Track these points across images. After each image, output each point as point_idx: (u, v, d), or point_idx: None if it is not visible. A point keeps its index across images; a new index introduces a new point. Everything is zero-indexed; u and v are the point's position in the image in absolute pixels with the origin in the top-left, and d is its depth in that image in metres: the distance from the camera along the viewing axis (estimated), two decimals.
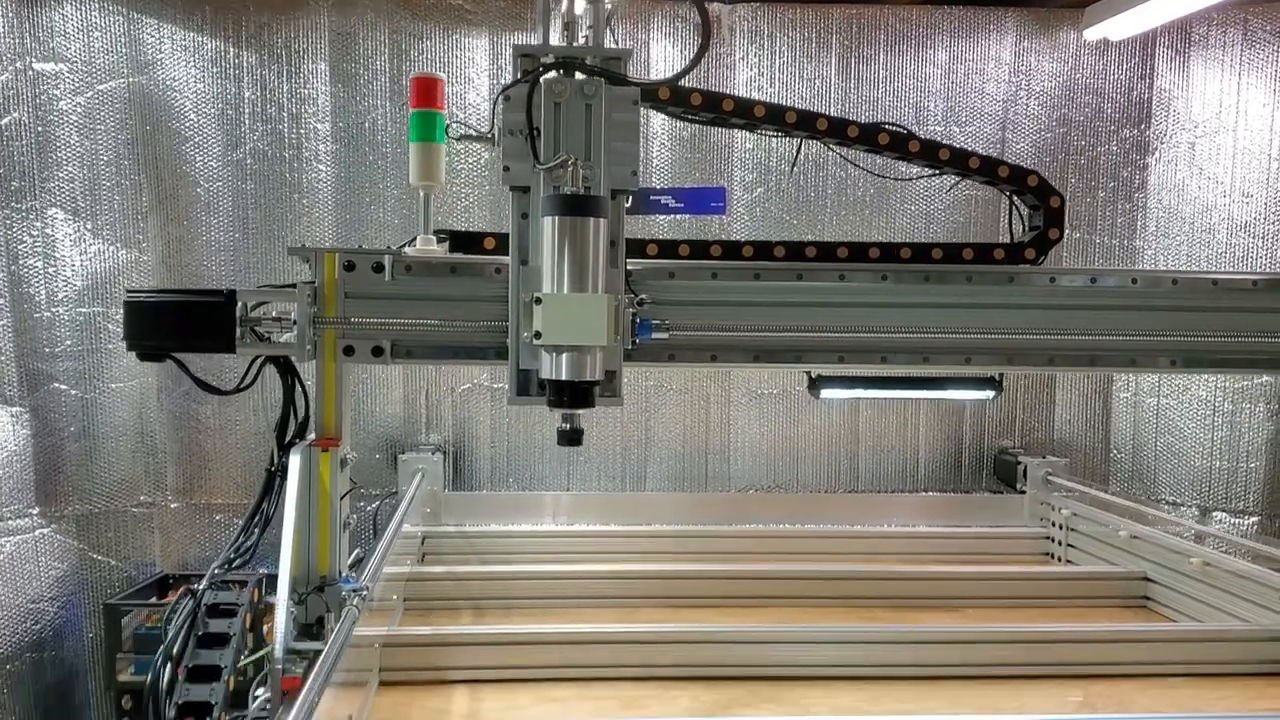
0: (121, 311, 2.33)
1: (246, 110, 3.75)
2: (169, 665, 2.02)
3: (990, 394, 3.04)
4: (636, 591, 3.24)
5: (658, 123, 3.89)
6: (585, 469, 4.03)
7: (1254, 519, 3.81)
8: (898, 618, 3.15)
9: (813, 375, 2.86)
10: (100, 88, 3.59)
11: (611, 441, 4.03)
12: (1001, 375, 2.99)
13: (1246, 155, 3.83)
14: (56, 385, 3.50)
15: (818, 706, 2.53)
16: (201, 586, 2.08)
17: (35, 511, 3.41)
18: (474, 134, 2.57)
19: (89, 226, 3.60)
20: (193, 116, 3.71)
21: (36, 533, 3.40)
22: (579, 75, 2.24)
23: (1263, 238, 3.81)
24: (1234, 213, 3.84)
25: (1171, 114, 4.00)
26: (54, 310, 3.52)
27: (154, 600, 3.31)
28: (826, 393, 2.93)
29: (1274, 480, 3.79)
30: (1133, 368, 2.62)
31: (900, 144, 2.57)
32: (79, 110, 3.56)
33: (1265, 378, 3.77)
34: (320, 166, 3.81)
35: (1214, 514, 3.87)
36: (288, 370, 2.39)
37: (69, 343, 3.53)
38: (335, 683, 1.96)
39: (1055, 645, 2.75)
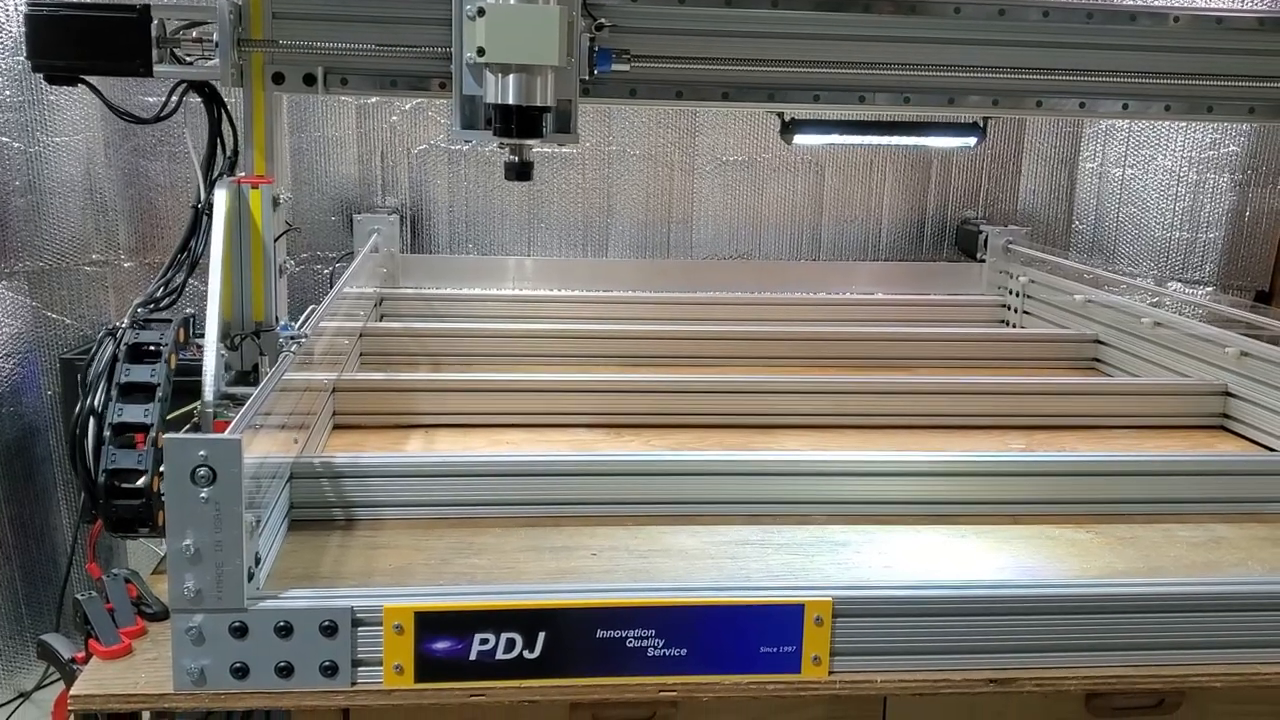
0: None
1: None
2: (92, 421, 1.64)
3: (973, 140, 2.71)
4: (598, 351, 3.01)
5: None
6: (546, 236, 3.70)
7: (1208, 289, 3.58)
8: (848, 374, 2.94)
9: (786, 118, 2.51)
10: None
11: (573, 208, 3.69)
12: (985, 121, 2.66)
13: None
14: None
15: (763, 449, 2.36)
16: (123, 325, 1.72)
17: None
18: None
19: None
20: None
21: None
22: None
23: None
24: None
25: None
26: None
27: None
28: (800, 138, 2.58)
29: (1231, 251, 3.56)
30: (1125, 114, 2.31)
31: None
32: None
33: (1232, 147, 3.47)
34: None
35: (1170, 284, 3.63)
36: (213, 100, 2.02)
37: (8, 93, 3.08)
38: (280, 412, 1.76)
39: (999, 396, 2.60)
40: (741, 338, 3.09)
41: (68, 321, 3.21)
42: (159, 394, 1.60)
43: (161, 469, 1.50)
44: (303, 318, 2.28)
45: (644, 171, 3.69)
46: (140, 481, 1.58)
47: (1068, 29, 2.24)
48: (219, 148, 2.02)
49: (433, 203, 3.64)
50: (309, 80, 2.01)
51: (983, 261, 3.71)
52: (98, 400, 1.60)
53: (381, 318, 3.28)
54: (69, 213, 3.19)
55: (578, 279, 3.64)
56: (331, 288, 3.34)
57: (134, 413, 1.59)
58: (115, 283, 3.30)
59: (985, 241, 3.69)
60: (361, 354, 2.89)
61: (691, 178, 3.71)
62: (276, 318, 1.98)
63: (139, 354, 1.65)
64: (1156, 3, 3.44)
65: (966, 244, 3.78)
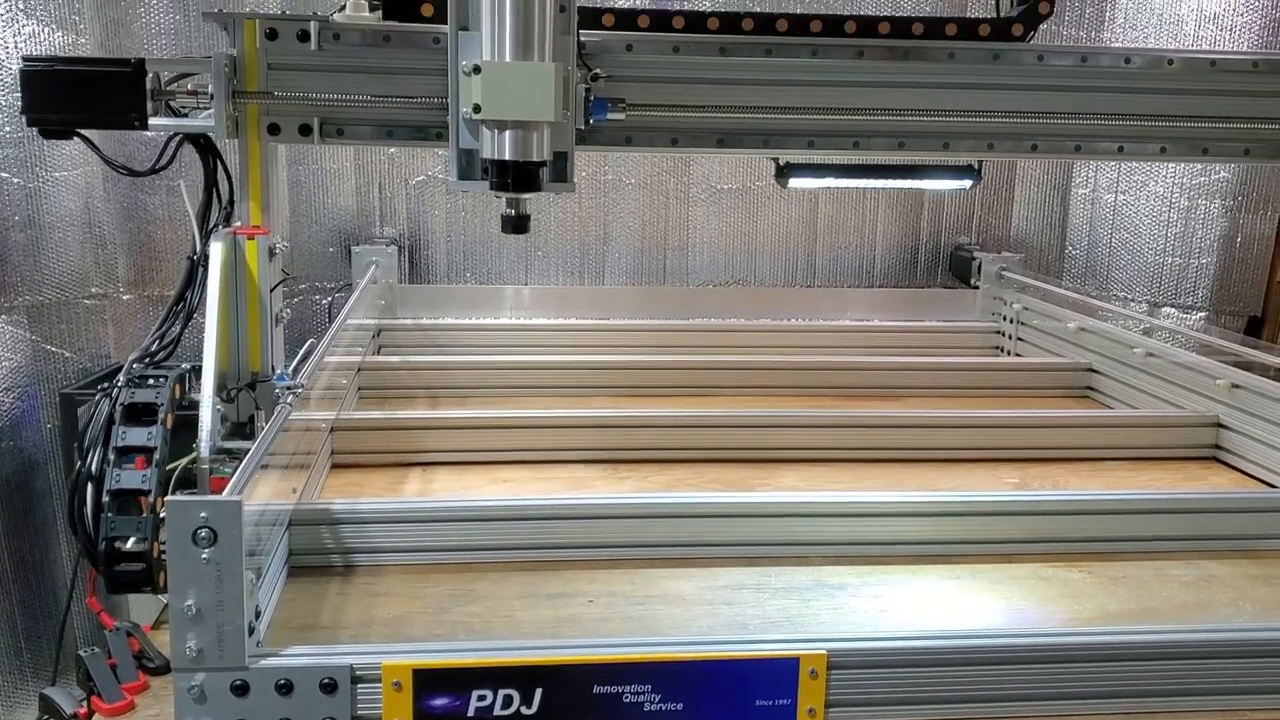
0: None
1: None
2: (90, 487, 1.64)
3: (968, 183, 2.71)
4: (594, 381, 3.01)
5: None
6: (543, 264, 3.70)
7: (1201, 314, 3.59)
8: (845, 406, 2.94)
9: (780, 163, 2.51)
10: None
11: (570, 237, 3.69)
12: (980, 163, 2.66)
13: None
14: None
15: (759, 486, 2.38)
16: (119, 382, 1.71)
17: None
18: None
19: (21, 6, 3.10)
20: None
21: None
22: None
23: (1230, 29, 3.43)
24: (1204, 3, 3.45)
25: None
26: None
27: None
28: (795, 182, 2.57)
29: (1223, 276, 3.57)
30: (1121, 156, 2.30)
31: None
32: None
33: (1223, 173, 3.48)
34: None
35: (1163, 309, 3.64)
36: (208, 150, 2.01)
37: (8, 129, 3.09)
38: (279, 457, 1.75)
39: (993, 430, 2.59)
40: (738, 367, 3.10)
41: (67, 355, 3.21)
42: (156, 457, 1.60)
43: (162, 533, 1.50)
44: (300, 354, 2.28)
45: (640, 200, 3.69)
46: (132, 543, 1.58)
47: (1062, 72, 2.24)
48: (215, 198, 2.02)
49: (430, 233, 3.64)
50: (305, 131, 2.00)
51: (977, 288, 3.71)
52: (94, 465, 1.59)
53: (379, 349, 3.28)
54: (68, 247, 3.19)
55: (575, 306, 3.64)
56: (330, 319, 3.35)
57: (131, 478, 1.59)
58: (114, 315, 3.31)
59: (979, 268, 3.69)
60: (360, 388, 2.89)
61: (686, 206, 3.72)
62: (273, 367, 1.98)
63: (135, 414, 1.64)
64: (1151, 46, 3.50)
65: (960, 270, 3.78)
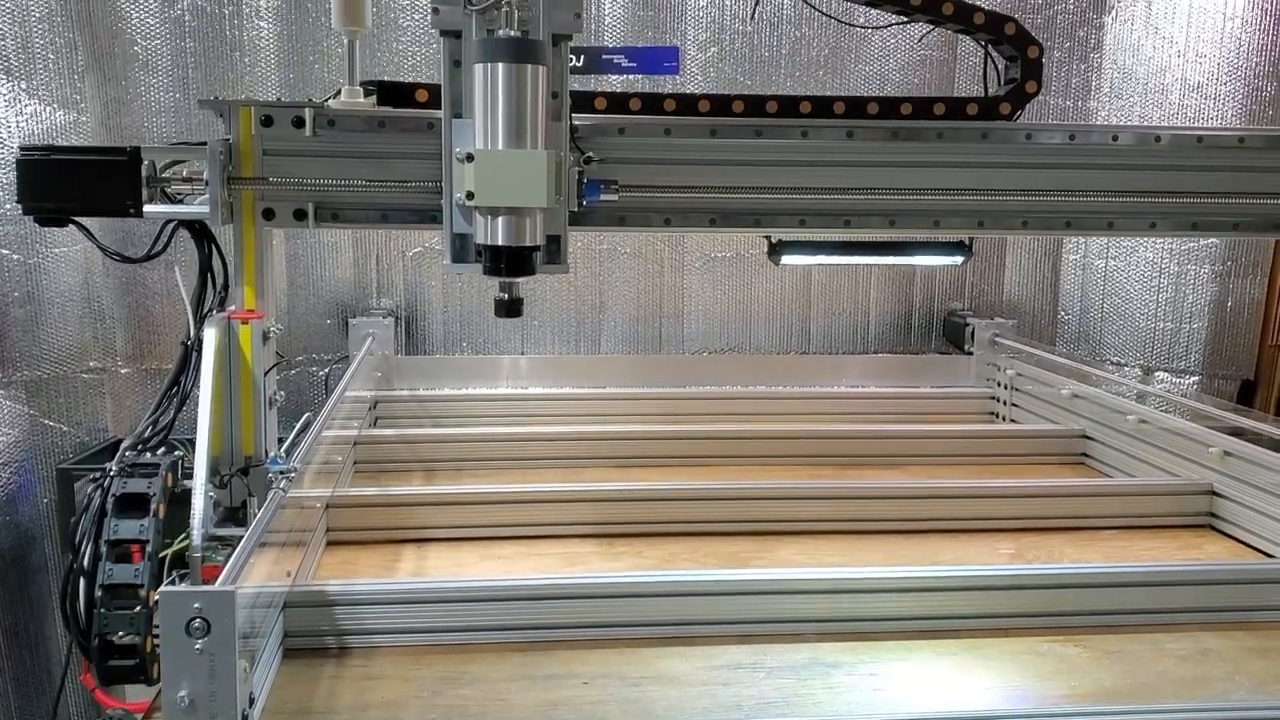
0: None
1: None
2: (82, 582, 1.61)
3: (959, 259, 2.72)
4: (589, 452, 2.99)
5: None
6: (539, 333, 3.72)
7: (1194, 378, 3.60)
8: (841, 475, 2.94)
9: (773, 240, 2.53)
10: None
11: (565, 306, 3.72)
12: (971, 240, 2.68)
13: (1201, 14, 3.48)
14: None
15: (755, 559, 2.37)
16: (111, 471, 1.70)
17: None
18: None
19: (24, 86, 3.15)
20: None
21: None
22: None
23: (1214, 99, 3.48)
24: (1187, 73, 3.51)
25: None
26: None
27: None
28: (787, 259, 2.59)
29: (1215, 341, 3.58)
30: (1110, 231, 2.32)
31: None
32: None
33: (1212, 239, 3.51)
34: (261, 23, 3.34)
35: (1156, 374, 3.65)
36: (203, 235, 2.03)
37: (8, 207, 3.12)
38: (274, 538, 1.74)
39: (989, 500, 2.59)
40: (734, 437, 3.08)
41: (64, 429, 3.21)
42: (148, 549, 1.59)
43: (155, 627, 1.49)
44: (297, 427, 2.27)
45: (635, 268, 3.72)
46: (123, 636, 1.57)
47: (1051, 149, 2.26)
48: (209, 282, 2.04)
49: (427, 304, 3.65)
50: (300, 215, 2.01)
51: (971, 354, 3.71)
52: (86, 559, 1.58)
53: (376, 421, 3.28)
54: (67, 321, 3.21)
55: (571, 375, 3.64)
56: (327, 391, 3.36)
57: (124, 572, 1.58)
58: (112, 389, 3.31)
59: (972, 334, 3.70)
60: (356, 462, 2.89)
61: (681, 274, 3.74)
62: (266, 451, 1.97)
63: (127, 505, 1.64)
64: (1136, 114, 3.55)
65: (954, 336, 3.79)
